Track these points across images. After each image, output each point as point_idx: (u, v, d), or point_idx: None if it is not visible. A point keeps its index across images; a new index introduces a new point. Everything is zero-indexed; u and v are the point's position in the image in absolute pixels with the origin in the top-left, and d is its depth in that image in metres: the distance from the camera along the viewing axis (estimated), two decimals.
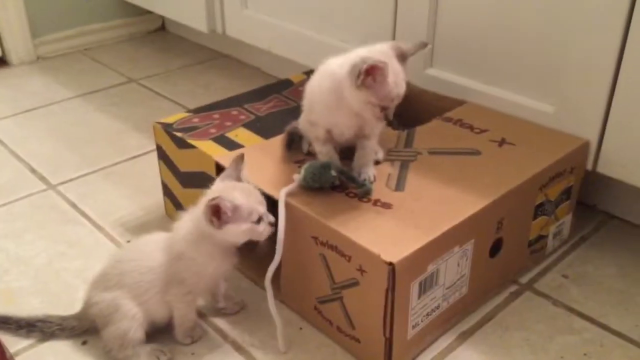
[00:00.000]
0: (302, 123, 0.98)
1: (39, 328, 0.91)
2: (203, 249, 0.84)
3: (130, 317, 0.85)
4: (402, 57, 0.86)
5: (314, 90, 0.91)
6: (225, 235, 0.82)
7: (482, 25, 1.13)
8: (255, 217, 0.83)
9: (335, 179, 0.89)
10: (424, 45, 0.90)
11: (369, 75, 0.81)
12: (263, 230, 0.84)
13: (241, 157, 0.89)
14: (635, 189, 1.02)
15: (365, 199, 0.89)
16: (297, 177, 0.90)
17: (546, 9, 1.03)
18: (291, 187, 0.90)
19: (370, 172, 0.93)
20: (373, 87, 0.82)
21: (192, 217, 0.86)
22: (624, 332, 0.93)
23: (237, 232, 0.82)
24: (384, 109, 0.85)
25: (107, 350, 0.87)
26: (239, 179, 0.87)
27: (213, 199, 0.80)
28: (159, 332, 0.91)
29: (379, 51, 0.85)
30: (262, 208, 0.84)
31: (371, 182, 0.91)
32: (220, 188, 0.85)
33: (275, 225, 0.86)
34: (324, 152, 0.93)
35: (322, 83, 0.89)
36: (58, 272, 1.06)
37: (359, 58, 0.82)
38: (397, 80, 0.83)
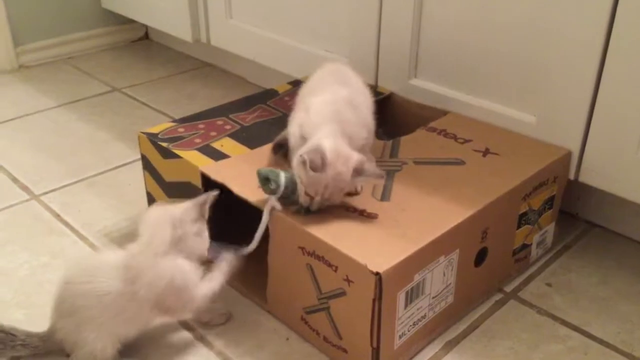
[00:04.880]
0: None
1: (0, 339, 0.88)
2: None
3: (98, 340, 0.83)
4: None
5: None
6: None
7: (466, 36, 1.14)
8: None
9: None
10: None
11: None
12: None
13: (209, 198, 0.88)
14: (616, 197, 1.04)
15: (351, 209, 0.90)
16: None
17: (528, 21, 1.04)
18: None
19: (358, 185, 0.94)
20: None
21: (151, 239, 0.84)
22: (607, 339, 0.94)
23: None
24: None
25: None
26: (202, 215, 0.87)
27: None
28: (140, 345, 0.91)
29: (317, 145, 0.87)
30: None
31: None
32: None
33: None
34: None
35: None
36: (41, 284, 1.05)
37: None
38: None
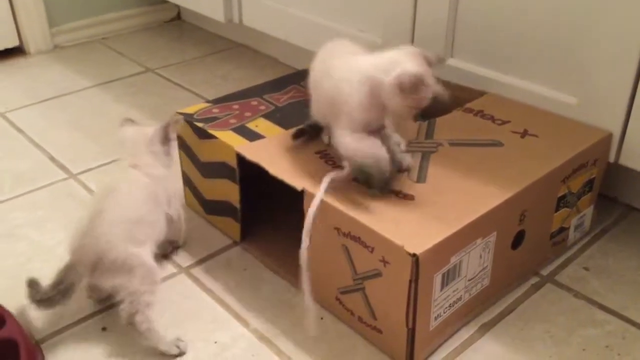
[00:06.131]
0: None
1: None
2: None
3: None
4: (427, 62, 0.86)
5: (344, 88, 0.88)
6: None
7: (504, 14, 1.12)
8: None
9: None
10: (441, 59, 0.91)
11: (415, 87, 0.82)
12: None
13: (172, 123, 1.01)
14: None
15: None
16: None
17: None
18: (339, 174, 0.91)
19: (407, 158, 0.94)
20: (416, 95, 0.83)
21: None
22: None
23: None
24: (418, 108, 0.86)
25: (131, 300, 0.86)
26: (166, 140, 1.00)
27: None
28: (176, 322, 0.92)
29: (412, 55, 0.85)
30: None
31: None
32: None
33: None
34: None
35: (355, 86, 0.87)
36: None
37: (403, 70, 0.83)
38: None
